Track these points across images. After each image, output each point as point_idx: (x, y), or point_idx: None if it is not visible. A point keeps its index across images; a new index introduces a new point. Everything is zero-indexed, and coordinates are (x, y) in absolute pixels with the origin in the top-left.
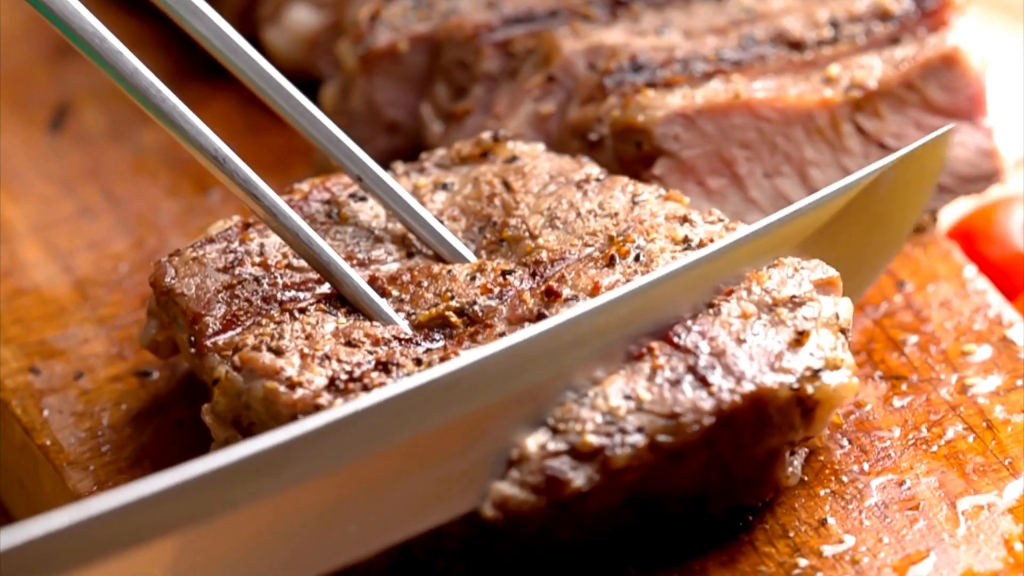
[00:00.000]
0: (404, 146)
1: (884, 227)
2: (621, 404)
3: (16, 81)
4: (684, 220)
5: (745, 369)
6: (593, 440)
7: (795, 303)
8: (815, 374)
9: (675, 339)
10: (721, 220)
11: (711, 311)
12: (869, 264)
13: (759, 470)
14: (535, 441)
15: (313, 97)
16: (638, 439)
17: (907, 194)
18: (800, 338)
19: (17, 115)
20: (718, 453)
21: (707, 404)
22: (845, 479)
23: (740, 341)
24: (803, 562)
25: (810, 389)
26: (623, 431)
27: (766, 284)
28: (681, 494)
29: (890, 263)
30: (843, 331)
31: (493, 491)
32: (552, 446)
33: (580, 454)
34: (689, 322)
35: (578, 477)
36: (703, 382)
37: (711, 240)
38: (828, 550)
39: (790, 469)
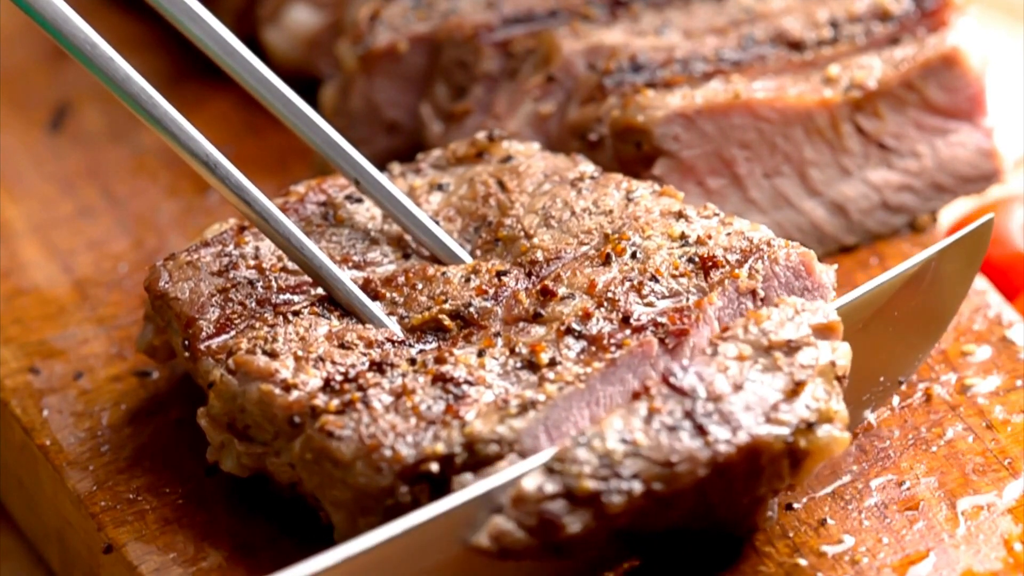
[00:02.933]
0: (404, 146)
1: (928, 314)
2: (618, 447)
3: (16, 81)
4: (679, 216)
5: (741, 419)
6: (590, 485)
7: (792, 347)
8: (809, 427)
9: (672, 380)
10: (716, 214)
11: (708, 350)
12: (915, 347)
13: (742, 514)
14: (532, 482)
15: (313, 97)
16: (634, 485)
17: (950, 282)
18: (796, 388)
19: (17, 115)
20: (707, 499)
21: (703, 455)
22: (845, 479)
23: (737, 387)
24: (803, 562)
25: (803, 443)
26: (619, 476)
27: (764, 324)
28: (663, 531)
29: (934, 346)
30: (839, 378)
31: (491, 524)
32: (549, 488)
33: (576, 498)
34: (685, 362)
35: (573, 523)
36: (700, 431)
37: (708, 237)
38: (828, 550)
39: (769, 512)
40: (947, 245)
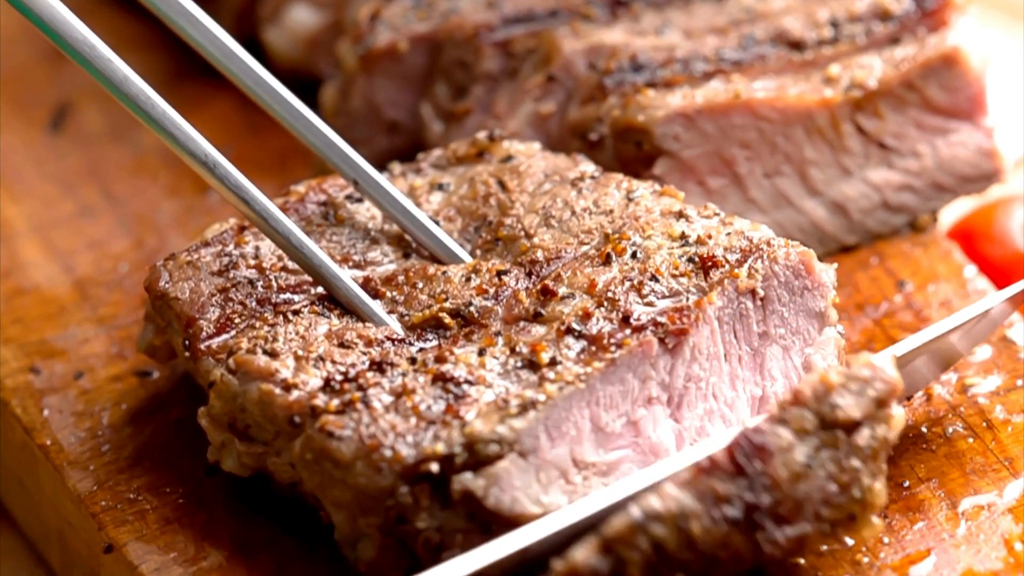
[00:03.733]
0: (404, 146)
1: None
2: (674, 537)
3: (16, 81)
4: (680, 215)
5: (794, 518)
6: (640, 573)
7: (854, 425)
8: (851, 519)
9: (738, 456)
10: (717, 214)
11: (777, 412)
12: (931, 373)
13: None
14: (584, 556)
15: (313, 97)
16: None
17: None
18: (850, 482)
19: (17, 115)
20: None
21: (750, 553)
22: None
23: (795, 477)
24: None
25: (840, 532)
26: (670, 566)
27: (834, 397)
28: None
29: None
30: (887, 446)
31: None
32: (600, 568)
33: None
34: (752, 434)
35: None
36: (755, 526)
37: (708, 236)
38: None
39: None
40: (1007, 298)
